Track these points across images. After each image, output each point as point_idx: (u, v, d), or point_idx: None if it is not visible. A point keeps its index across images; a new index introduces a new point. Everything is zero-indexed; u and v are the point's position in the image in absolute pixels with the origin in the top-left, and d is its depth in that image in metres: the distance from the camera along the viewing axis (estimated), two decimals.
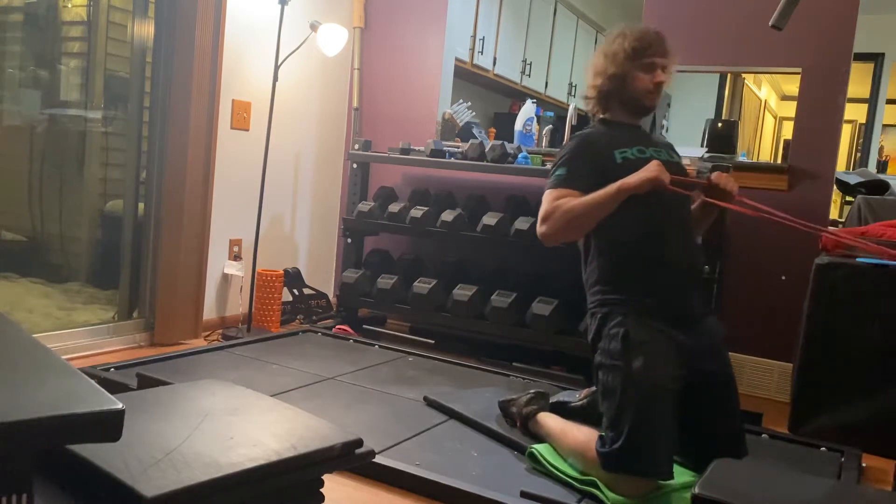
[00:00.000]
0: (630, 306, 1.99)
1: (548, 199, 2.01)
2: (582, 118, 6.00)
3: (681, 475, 2.00)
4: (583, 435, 2.00)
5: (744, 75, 6.91)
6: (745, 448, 2.02)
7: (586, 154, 2.06)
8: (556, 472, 2.02)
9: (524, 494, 1.90)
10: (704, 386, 1.98)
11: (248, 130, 3.51)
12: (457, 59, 4.19)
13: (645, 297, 2.00)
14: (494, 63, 4.88)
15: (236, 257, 3.53)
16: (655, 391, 1.87)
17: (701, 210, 2.22)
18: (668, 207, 2.06)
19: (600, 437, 1.92)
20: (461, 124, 4.05)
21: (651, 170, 1.93)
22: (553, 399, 2.35)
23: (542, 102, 5.29)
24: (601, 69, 2.13)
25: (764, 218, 2.09)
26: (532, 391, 2.34)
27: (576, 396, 2.36)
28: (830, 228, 3.12)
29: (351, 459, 1.46)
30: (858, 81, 4.72)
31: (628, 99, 2.13)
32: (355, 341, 3.36)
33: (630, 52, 2.08)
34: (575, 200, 1.97)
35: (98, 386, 1.12)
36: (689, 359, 1.96)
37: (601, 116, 2.20)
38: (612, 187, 1.94)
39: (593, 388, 2.35)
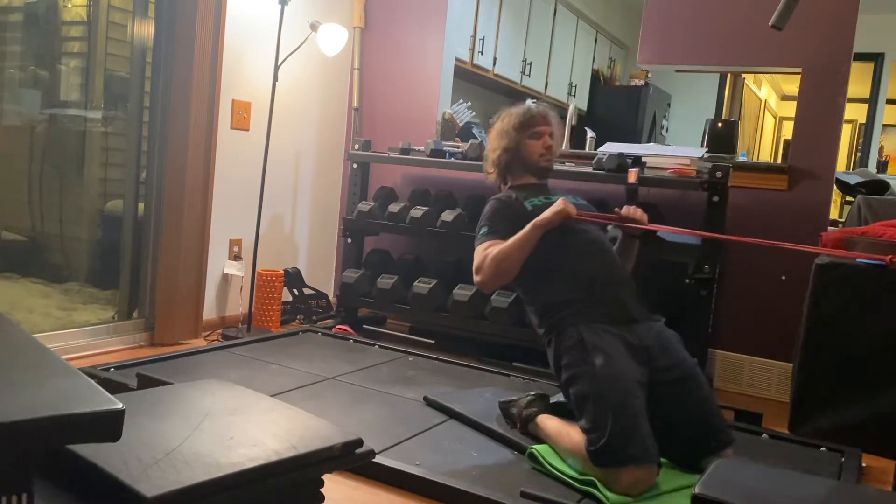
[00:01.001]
0: (574, 318, 2.15)
1: (477, 253, 2.28)
2: (582, 118, 6.02)
3: (680, 477, 2.00)
4: (580, 436, 2.01)
5: (744, 75, 6.92)
6: (728, 435, 2.07)
7: (502, 210, 2.34)
8: (555, 472, 2.02)
9: (524, 494, 1.90)
10: (667, 382, 2.06)
11: (248, 130, 3.51)
12: (457, 59, 4.19)
13: (584, 308, 2.16)
14: (494, 63, 4.88)
15: (236, 257, 3.53)
16: (622, 381, 1.98)
17: (622, 248, 2.43)
18: (581, 234, 2.30)
19: (587, 440, 1.95)
20: (461, 124, 4.05)
21: (558, 204, 2.22)
22: (553, 399, 2.35)
23: (542, 102, 5.28)
24: (497, 146, 2.46)
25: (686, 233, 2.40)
26: (532, 393, 2.35)
27: None
28: (830, 230, 3.11)
29: (351, 459, 1.46)
30: (858, 81, 4.72)
31: (527, 164, 2.44)
32: (355, 341, 3.36)
33: (518, 126, 2.41)
34: (499, 246, 2.23)
35: (98, 386, 1.12)
36: (645, 355, 2.08)
37: (510, 184, 2.48)
38: (527, 227, 2.20)
39: None
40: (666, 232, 2.54)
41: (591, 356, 2.03)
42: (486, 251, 2.25)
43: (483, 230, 2.33)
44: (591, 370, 2.01)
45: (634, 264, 2.46)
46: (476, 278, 2.28)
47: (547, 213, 2.20)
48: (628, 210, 2.35)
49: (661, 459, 1.95)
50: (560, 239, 2.24)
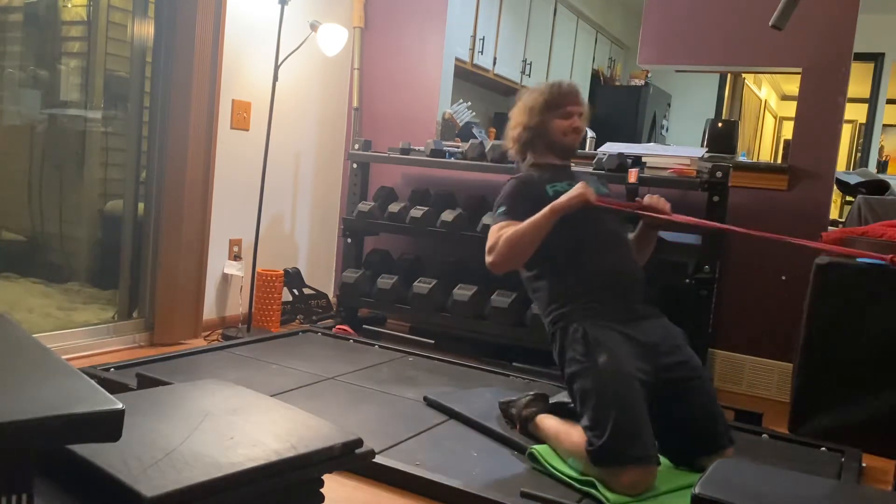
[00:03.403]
0: (582, 312, 2.13)
1: (491, 232, 2.22)
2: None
3: (680, 477, 2.00)
4: (581, 436, 2.00)
5: (744, 75, 6.92)
6: (730, 435, 2.07)
7: (522, 191, 2.28)
8: (555, 472, 2.02)
9: (524, 494, 1.90)
10: (670, 380, 2.05)
11: (248, 130, 3.51)
12: (457, 59, 4.19)
13: (591, 303, 2.14)
14: (494, 63, 4.89)
15: (236, 257, 3.53)
16: (626, 380, 1.96)
17: (640, 237, 2.39)
18: (598, 223, 2.24)
19: (587, 439, 1.95)
20: (461, 124, 4.05)
21: (577, 189, 2.14)
22: (552, 400, 2.35)
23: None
24: (521, 122, 2.37)
25: (703, 226, 2.32)
26: (531, 393, 2.35)
27: None
28: (830, 230, 3.11)
29: (351, 459, 1.46)
30: (858, 81, 4.72)
31: (551, 144, 2.35)
32: (355, 341, 3.36)
33: (544, 105, 2.32)
34: (514, 227, 2.17)
35: (98, 386, 1.13)
36: (650, 354, 2.06)
37: (532, 162, 2.40)
38: (544, 210, 2.14)
39: None
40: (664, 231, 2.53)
41: (595, 353, 2.01)
42: (500, 231, 2.19)
43: (500, 209, 2.26)
44: (594, 367, 2.00)
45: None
46: (488, 258, 2.21)
47: (565, 198, 2.14)
48: (651, 199, 2.28)
49: (661, 458, 1.95)
50: (577, 227, 2.18)
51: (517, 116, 2.39)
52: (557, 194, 2.21)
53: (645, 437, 1.90)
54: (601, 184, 2.46)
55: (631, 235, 2.39)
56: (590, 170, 3.18)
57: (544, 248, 2.17)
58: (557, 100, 2.32)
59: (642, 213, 2.28)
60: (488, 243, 2.20)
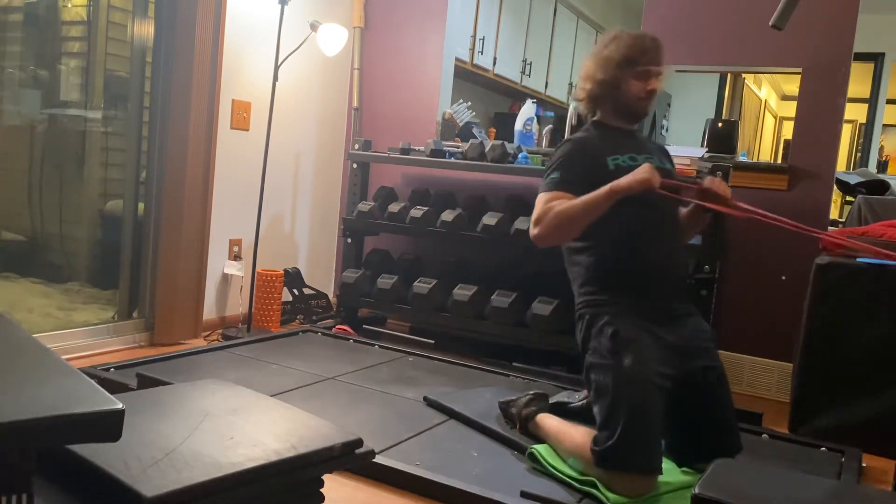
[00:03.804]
0: (616, 306, 2.02)
1: (540, 201, 2.04)
2: (582, 118, 6.00)
3: (679, 475, 2.00)
4: (581, 436, 2.00)
5: (744, 75, 6.91)
6: (738, 443, 2.04)
7: (578, 159, 2.08)
8: (555, 472, 2.02)
9: (524, 494, 1.90)
10: (693, 384, 2.00)
11: (248, 130, 3.51)
12: (457, 59, 4.18)
13: (630, 296, 2.03)
14: (494, 63, 4.88)
15: (236, 257, 3.53)
16: (646, 387, 1.89)
17: (691, 216, 2.22)
18: (655, 210, 2.07)
19: (594, 437, 1.93)
20: (461, 124, 4.05)
21: (643, 171, 1.94)
22: (553, 399, 2.35)
23: (542, 102, 5.29)
24: (591, 73, 2.13)
25: (758, 220, 2.08)
26: (532, 392, 2.34)
27: (575, 397, 2.37)
28: (830, 230, 3.11)
29: (351, 459, 1.46)
30: (858, 81, 4.71)
31: (621, 105, 2.14)
32: (355, 341, 3.36)
33: (622, 59, 2.07)
34: (567, 202, 1.98)
35: (98, 386, 1.13)
36: (677, 357, 1.99)
37: (594, 119, 2.20)
38: (603, 189, 1.95)
39: None
40: None
41: (621, 353, 1.92)
42: (549, 203, 2.00)
43: (553, 176, 2.05)
44: (617, 366, 1.92)
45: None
46: (533, 231, 2.02)
47: (628, 180, 1.94)
48: (711, 182, 2.07)
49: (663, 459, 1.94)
50: (632, 208, 1.99)
51: (592, 67, 2.13)
52: (619, 170, 2.03)
53: (652, 447, 1.87)
54: (665, 157, 2.25)
55: (682, 211, 2.22)
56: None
57: (596, 227, 2.01)
58: (637, 56, 2.06)
59: (701, 203, 2.09)
60: (535, 213, 2.02)
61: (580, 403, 2.33)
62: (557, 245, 2.13)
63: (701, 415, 2.01)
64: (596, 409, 1.96)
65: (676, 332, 2.04)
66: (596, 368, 1.98)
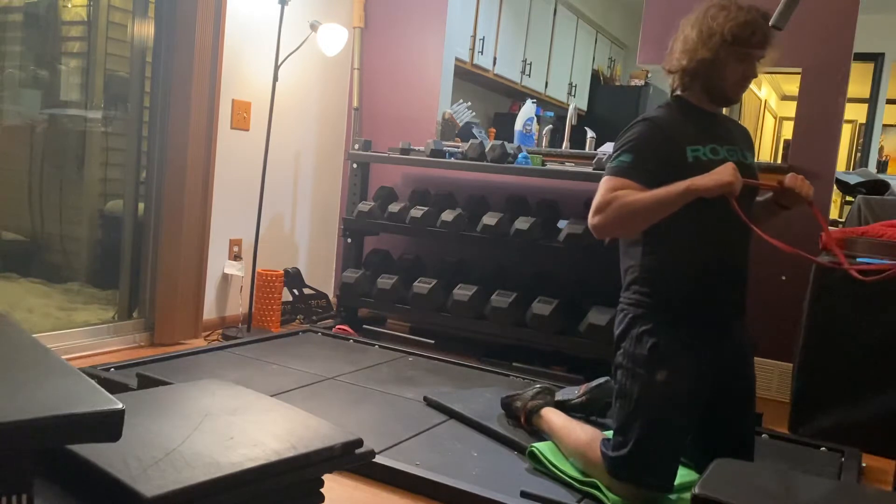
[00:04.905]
0: (664, 314, 1.87)
1: (605, 186, 1.82)
2: (582, 118, 6.03)
3: (680, 475, 2.00)
4: (586, 435, 1.99)
5: None
6: (751, 458, 1.98)
7: (655, 144, 1.85)
8: (556, 471, 2.02)
9: (524, 494, 1.90)
10: (724, 397, 1.93)
11: (248, 130, 3.51)
12: (457, 59, 4.19)
13: (683, 306, 1.88)
14: (494, 63, 4.89)
15: (236, 257, 3.53)
16: (672, 407, 1.82)
17: (766, 208, 2.02)
18: (730, 212, 1.81)
19: (605, 439, 1.91)
20: (461, 124, 4.05)
21: (726, 174, 1.74)
22: (558, 397, 2.34)
23: (542, 102, 5.30)
24: (691, 47, 1.88)
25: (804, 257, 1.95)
26: (538, 386, 2.33)
27: (575, 392, 2.36)
28: (830, 230, 3.11)
29: (351, 459, 1.46)
30: (858, 81, 4.71)
31: (713, 86, 1.91)
32: (355, 341, 3.36)
33: (728, 37, 1.83)
34: (636, 194, 1.78)
35: (98, 386, 1.13)
36: (713, 374, 1.88)
37: (678, 94, 1.98)
38: (679, 186, 1.75)
39: (592, 384, 2.35)
40: None
41: (656, 368, 1.82)
42: (616, 192, 1.79)
43: (622, 158, 1.84)
44: (648, 380, 1.82)
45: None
46: (592, 219, 1.82)
47: (708, 181, 1.73)
48: (794, 180, 1.87)
49: None
50: (705, 213, 1.81)
51: (694, 38, 1.88)
52: (698, 163, 1.83)
53: (664, 468, 1.82)
54: (748, 147, 2.02)
55: (759, 199, 2.01)
56: (589, 170, 3.13)
57: (662, 224, 1.83)
58: (746, 36, 1.84)
59: (780, 204, 1.94)
60: (597, 199, 1.81)
61: (580, 399, 2.32)
62: (617, 237, 1.98)
63: (720, 427, 1.95)
64: (615, 409, 1.91)
65: (722, 350, 1.91)
66: (625, 371, 1.88)
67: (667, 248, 1.89)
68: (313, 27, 3.46)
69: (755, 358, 2.06)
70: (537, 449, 2.10)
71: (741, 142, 1.99)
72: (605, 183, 1.83)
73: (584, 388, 2.34)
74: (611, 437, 1.90)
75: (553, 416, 2.17)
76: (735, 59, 1.86)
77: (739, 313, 1.98)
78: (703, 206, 1.78)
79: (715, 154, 1.88)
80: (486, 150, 3.39)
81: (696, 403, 1.86)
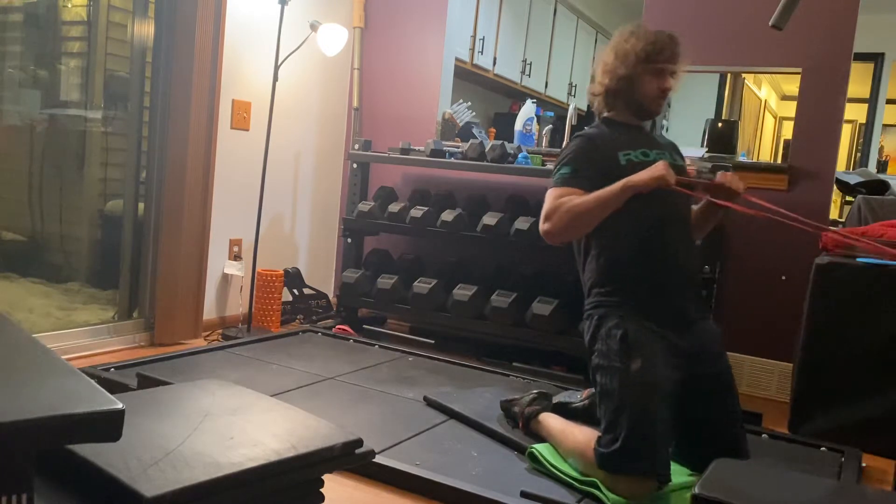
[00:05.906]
0: (627, 308, 1.99)
1: (551, 196, 2.01)
2: (582, 118, 6.04)
3: (680, 475, 2.00)
4: (583, 435, 2.00)
5: (744, 75, 6.90)
6: (746, 450, 2.02)
7: (590, 154, 2.05)
8: (556, 472, 2.02)
9: (524, 494, 1.90)
10: (702, 389, 1.99)
11: (248, 130, 3.51)
12: (457, 59, 4.19)
13: (642, 298, 2.00)
14: (494, 63, 4.88)
15: (236, 257, 3.53)
16: (653, 392, 1.87)
17: (704, 212, 2.20)
18: (669, 208, 2.05)
19: (598, 439, 1.92)
20: (461, 124, 4.05)
21: (658, 168, 1.93)
22: (555, 400, 2.34)
23: (542, 102, 5.29)
24: (611, 68, 2.10)
25: (769, 218, 2.07)
26: (535, 391, 2.34)
27: (577, 397, 2.37)
28: (832, 229, 3.11)
29: (351, 459, 1.46)
30: (858, 81, 4.72)
31: (634, 102, 2.12)
32: (355, 341, 3.36)
33: (641, 55, 2.05)
34: (578, 198, 1.97)
35: (98, 386, 1.12)
36: (686, 362, 1.97)
37: (605, 115, 2.18)
38: (616, 185, 1.94)
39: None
40: None
41: (629, 357, 1.90)
42: (560, 199, 1.98)
43: (563, 171, 2.03)
44: (625, 370, 1.89)
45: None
46: (543, 226, 2.00)
47: (644, 177, 1.92)
48: (724, 177, 2.04)
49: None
50: (646, 206, 1.97)
51: (610, 60, 2.10)
52: (630, 165, 2.01)
53: (656, 454, 1.85)
54: (676, 153, 2.22)
55: (694, 207, 2.20)
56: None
57: (608, 226, 1.99)
58: (656, 53, 2.05)
59: (713, 199, 2.07)
60: (545, 208, 2.00)
61: (582, 403, 2.32)
62: (568, 241, 2.11)
63: (709, 421, 2.00)
64: (600, 412, 1.95)
65: (688, 336, 2.01)
66: (602, 370, 1.96)
67: (617, 247, 2.04)
68: (313, 27, 3.46)
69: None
70: (537, 450, 2.10)
71: (668, 149, 2.18)
72: (551, 194, 2.02)
73: (586, 392, 2.34)
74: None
75: (551, 421, 2.18)
76: (650, 74, 2.06)
77: (699, 307, 2.11)
78: (643, 205, 1.96)
79: (645, 156, 2.06)
80: (486, 150, 3.40)
81: (673, 387, 1.91)
